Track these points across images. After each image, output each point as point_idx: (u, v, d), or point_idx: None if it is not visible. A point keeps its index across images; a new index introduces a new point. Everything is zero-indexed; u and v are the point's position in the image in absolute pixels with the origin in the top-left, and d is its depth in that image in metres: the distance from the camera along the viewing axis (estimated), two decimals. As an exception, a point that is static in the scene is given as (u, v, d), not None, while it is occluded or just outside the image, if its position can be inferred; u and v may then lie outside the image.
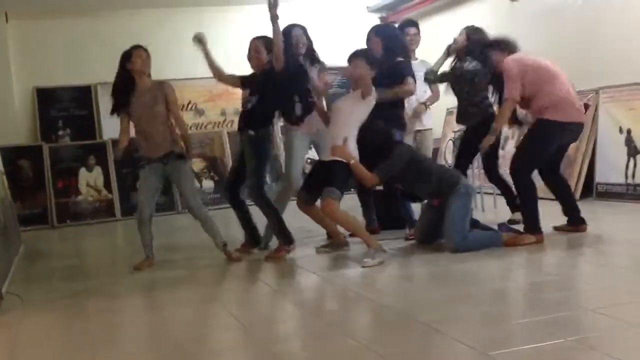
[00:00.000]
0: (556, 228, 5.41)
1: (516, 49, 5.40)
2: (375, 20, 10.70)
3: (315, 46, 5.90)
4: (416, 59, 6.54)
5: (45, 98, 9.68)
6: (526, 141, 5.27)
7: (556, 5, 8.01)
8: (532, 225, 5.09)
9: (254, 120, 5.42)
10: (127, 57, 5.43)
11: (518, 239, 5.06)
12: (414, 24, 6.66)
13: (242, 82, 5.64)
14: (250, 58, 5.48)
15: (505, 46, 5.39)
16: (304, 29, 5.86)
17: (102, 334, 3.77)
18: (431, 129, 6.66)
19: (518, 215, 5.97)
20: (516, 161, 5.22)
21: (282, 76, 5.27)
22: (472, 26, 6.11)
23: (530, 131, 5.27)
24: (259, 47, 5.42)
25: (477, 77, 5.84)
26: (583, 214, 5.38)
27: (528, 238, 5.05)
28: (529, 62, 5.24)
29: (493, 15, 8.79)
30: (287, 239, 5.44)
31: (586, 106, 5.43)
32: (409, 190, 5.37)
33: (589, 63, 7.51)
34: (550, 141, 5.13)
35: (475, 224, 5.22)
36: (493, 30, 8.19)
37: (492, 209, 7.03)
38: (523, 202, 5.23)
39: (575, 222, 5.35)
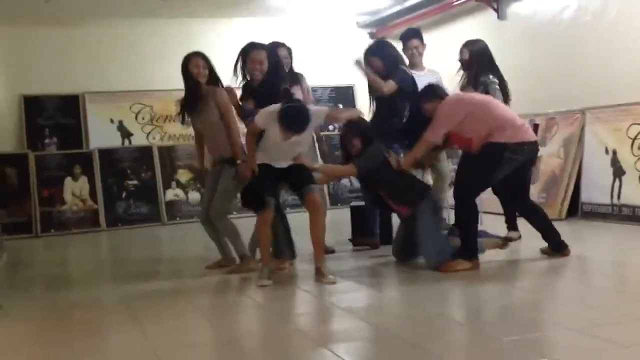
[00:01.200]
0: (543, 251, 5.27)
1: (445, 94, 5.29)
2: (364, 36, 10.75)
3: (305, 62, 5.96)
4: (424, 68, 6.44)
5: (33, 106, 9.61)
6: (472, 165, 5.10)
7: (543, 26, 8.08)
8: (469, 250, 4.97)
9: None
10: (185, 64, 5.38)
11: (452, 264, 4.93)
12: (415, 34, 6.50)
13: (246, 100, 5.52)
14: (254, 70, 5.36)
15: (434, 94, 5.24)
16: (289, 50, 5.93)
17: (82, 345, 3.73)
18: None
19: (514, 234, 5.94)
20: (461, 185, 5.09)
21: (277, 85, 5.35)
22: (469, 41, 6.09)
23: (477, 155, 5.05)
24: (263, 59, 5.35)
25: (491, 88, 5.78)
26: (568, 234, 5.37)
27: (463, 264, 4.91)
28: (466, 98, 5.24)
29: (481, 34, 8.82)
30: (291, 254, 5.50)
31: (535, 126, 5.29)
32: (383, 192, 5.29)
33: (575, 83, 7.57)
34: (497, 165, 4.98)
35: (452, 232, 5.19)
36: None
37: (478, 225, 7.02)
38: (463, 227, 5.02)
39: (557, 248, 5.20)
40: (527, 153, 5.08)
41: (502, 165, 4.98)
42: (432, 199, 5.15)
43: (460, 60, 6.06)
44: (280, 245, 5.51)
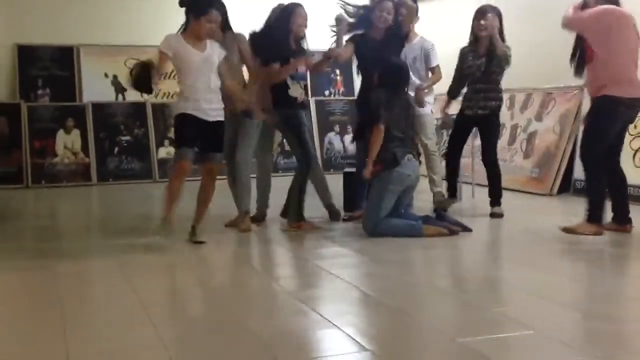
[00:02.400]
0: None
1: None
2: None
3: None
4: (416, 35, 6.30)
5: (26, 56, 9.47)
6: (588, 121, 5.06)
7: (545, 4, 8.00)
8: (595, 214, 4.93)
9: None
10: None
11: (577, 227, 4.95)
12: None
13: None
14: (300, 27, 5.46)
15: None
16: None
17: (70, 295, 3.73)
18: (430, 112, 6.48)
19: (498, 210, 5.93)
20: (582, 144, 5.06)
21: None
22: (488, 5, 5.93)
23: (591, 110, 5.07)
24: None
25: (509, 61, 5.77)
26: (560, 210, 5.38)
27: (588, 227, 4.91)
28: (614, 18, 4.86)
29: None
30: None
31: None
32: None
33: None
34: (613, 118, 4.88)
35: (396, 210, 5.21)
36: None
37: (470, 198, 7.03)
38: (588, 189, 5.04)
39: (622, 221, 5.10)
40: (637, 109, 5.02)
41: (618, 119, 4.89)
42: (389, 172, 5.11)
43: (485, 26, 5.82)
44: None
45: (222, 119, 4.95)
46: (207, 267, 4.52)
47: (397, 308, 3.41)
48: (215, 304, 3.63)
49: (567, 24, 5.07)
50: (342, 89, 10.59)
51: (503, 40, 5.87)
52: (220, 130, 4.97)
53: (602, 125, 4.94)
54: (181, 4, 4.98)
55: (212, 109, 4.86)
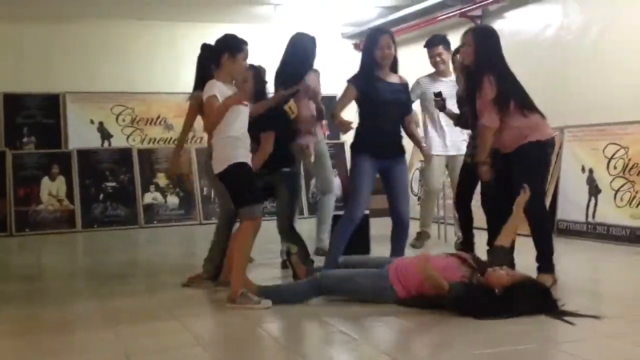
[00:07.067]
0: None
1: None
2: (349, 47, 10.80)
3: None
4: (450, 74, 6.29)
5: (12, 104, 9.53)
6: (525, 175, 4.61)
7: (526, 44, 8.15)
8: (549, 263, 4.66)
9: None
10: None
11: (543, 277, 4.54)
12: (440, 41, 6.37)
13: None
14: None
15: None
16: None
17: (54, 346, 3.70)
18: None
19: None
20: (531, 198, 4.56)
21: None
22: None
23: (526, 159, 4.68)
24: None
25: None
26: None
27: (545, 279, 4.50)
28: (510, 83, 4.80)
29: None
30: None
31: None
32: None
33: (554, 102, 7.60)
34: (547, 162, 4.75)
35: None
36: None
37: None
38: (539, 238, 4.67)
39: (546, 270, 4.76)
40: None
41: (549, 163, 4.77)
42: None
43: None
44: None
45: None
46: (194, 316, 4.47)
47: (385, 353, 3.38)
48: (201, 351, 3.60)
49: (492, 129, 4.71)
50: (327, 132, 10.63)
51: None
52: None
53: (539, 173, 4.72)
54: (214, 50, 4.72)
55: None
